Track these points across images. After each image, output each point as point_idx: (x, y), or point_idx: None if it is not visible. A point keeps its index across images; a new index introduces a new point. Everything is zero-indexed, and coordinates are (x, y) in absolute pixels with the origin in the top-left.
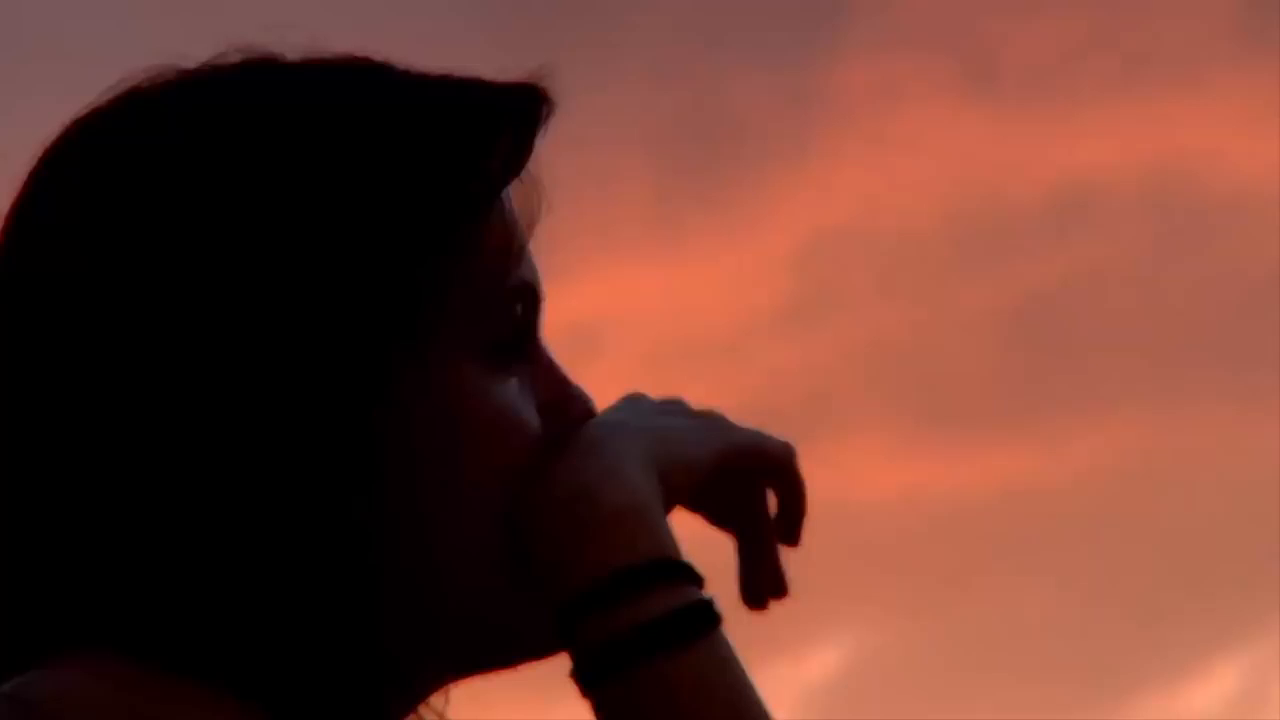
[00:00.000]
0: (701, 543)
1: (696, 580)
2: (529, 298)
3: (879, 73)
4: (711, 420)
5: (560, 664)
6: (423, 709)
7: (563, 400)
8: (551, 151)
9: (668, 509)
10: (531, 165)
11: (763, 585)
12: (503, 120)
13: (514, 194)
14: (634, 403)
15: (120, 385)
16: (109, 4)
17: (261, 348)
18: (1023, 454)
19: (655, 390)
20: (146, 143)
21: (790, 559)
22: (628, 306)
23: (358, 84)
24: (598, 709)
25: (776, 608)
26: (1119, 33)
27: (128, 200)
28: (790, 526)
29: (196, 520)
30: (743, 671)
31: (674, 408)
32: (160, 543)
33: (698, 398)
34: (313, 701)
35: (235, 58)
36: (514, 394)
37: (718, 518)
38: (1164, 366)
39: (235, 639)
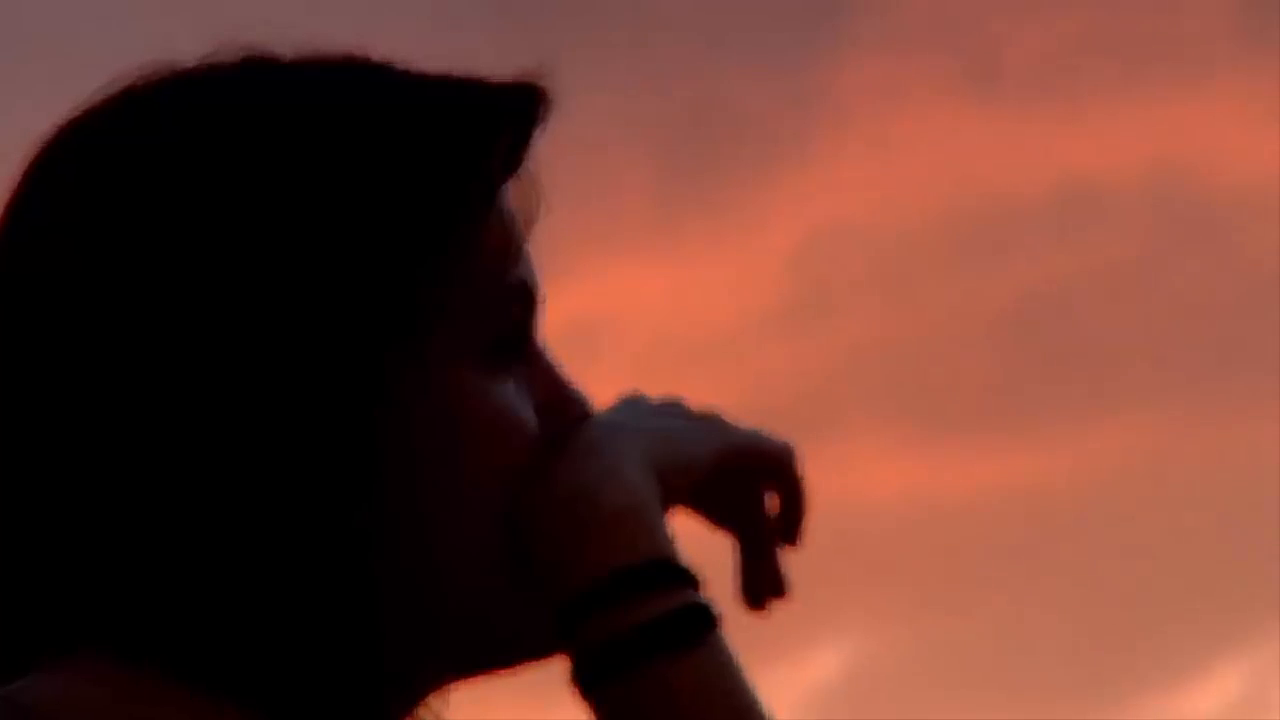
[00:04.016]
0: (702, 543)
1: (696, 582)
2: (527, 298)
3: (880, 72)
4: (710, 420)
5: (560, 665)
6: (422, 710)
7: (561, 401)
8: (551, 151)
9: (667, 509)
10: (530, 165)
11: (762, 586)
12: (501, 120)
13: (512, 194)
14: (632, 403)
15: (117, 389)
16: (106, 3)
17: (259, 349)
18: (1025, 456)
19: (654, 390)
20: (141, 143)
21: (790, 561)
22: (627, 306)
23: (355, 84)
24: (597, 710)
25: (776, 609)
26: (1122, 31)
27: (123, 201)
28: (790, 527)
29: (195, 523)
30: (743, 673)
31: (673, 408)
32: (159, 546)
33: (697, 398)
34: (313, 704)
35: (231, 56)
36: (512, 394)
37: (717, 518)
38: (1169, 368)
39: (235, 642)
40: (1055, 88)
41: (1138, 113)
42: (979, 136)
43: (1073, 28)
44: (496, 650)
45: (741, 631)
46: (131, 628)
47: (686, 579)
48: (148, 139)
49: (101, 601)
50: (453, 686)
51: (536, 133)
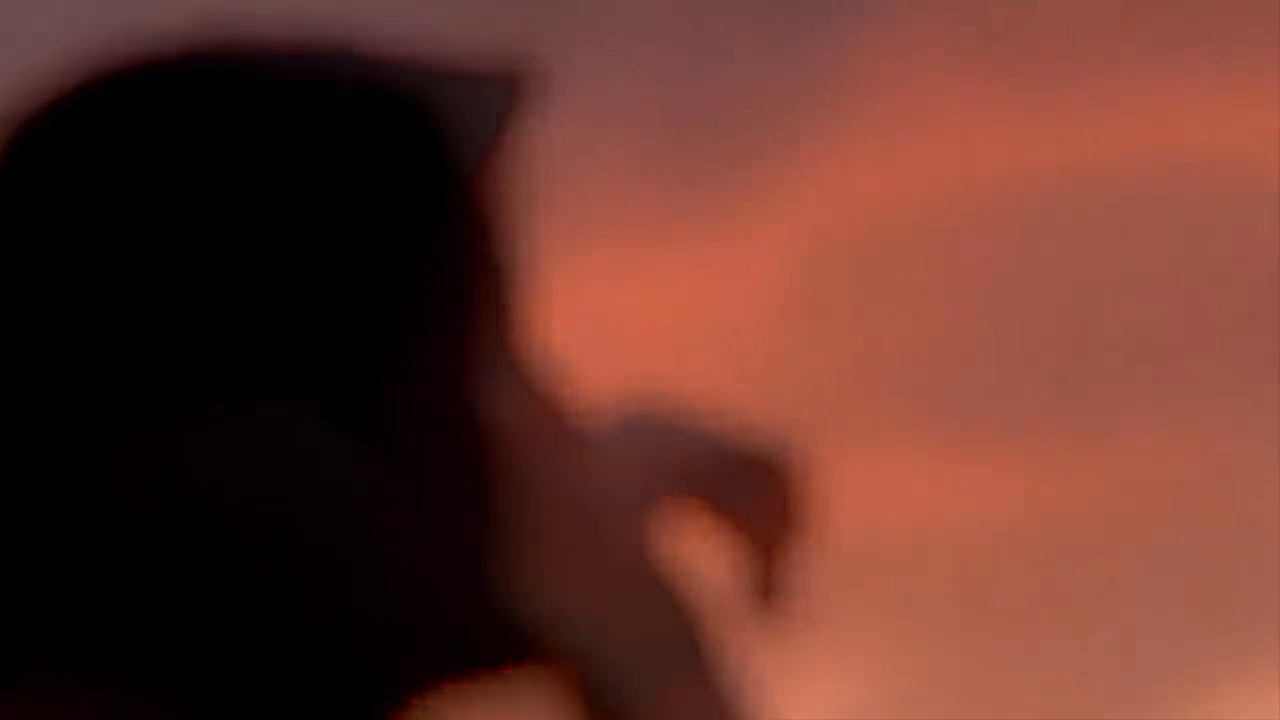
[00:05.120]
0: (702, 548)
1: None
2: (520, 295)
3: (899, 56)
4: (711, 423)
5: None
6: (413, 711)
7: (556, 401)
8: (550, 144)
9: (665, 513)
10: (525, 156)
11: (763, 596)
12: (490, 112)
13: (503, 189)
14: (633, 404)
15: (104, 389)
16: None
17: (248, 351)
18: (1055, 464)
19: (657, 389)
20: (122, 134)
21: (798, 576)
22: (629, 303)
23: (337, 76)
24: None
25: (777, 620)
26: (1152, 12)
27: (106, 197)
28: (791, 537)
29: (184, 523)
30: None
31: (673, 409)
32: (146, 549)
33: (702, 397)
34: (306, 705)
35: (207, 42)
36: (506, 395)
37: (716, 524)
38: (1208, 372)
39: (226, 646)
40: (1087, 72)
41: (1175, 98)
42: (1001, 129)
43: (1096, 13)
44: (488, 652)
45: (745, 650)
46: (112, 636)
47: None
48: (121, 127)
49: (84, 608)
50: (445, 689)
51: (527, 124)
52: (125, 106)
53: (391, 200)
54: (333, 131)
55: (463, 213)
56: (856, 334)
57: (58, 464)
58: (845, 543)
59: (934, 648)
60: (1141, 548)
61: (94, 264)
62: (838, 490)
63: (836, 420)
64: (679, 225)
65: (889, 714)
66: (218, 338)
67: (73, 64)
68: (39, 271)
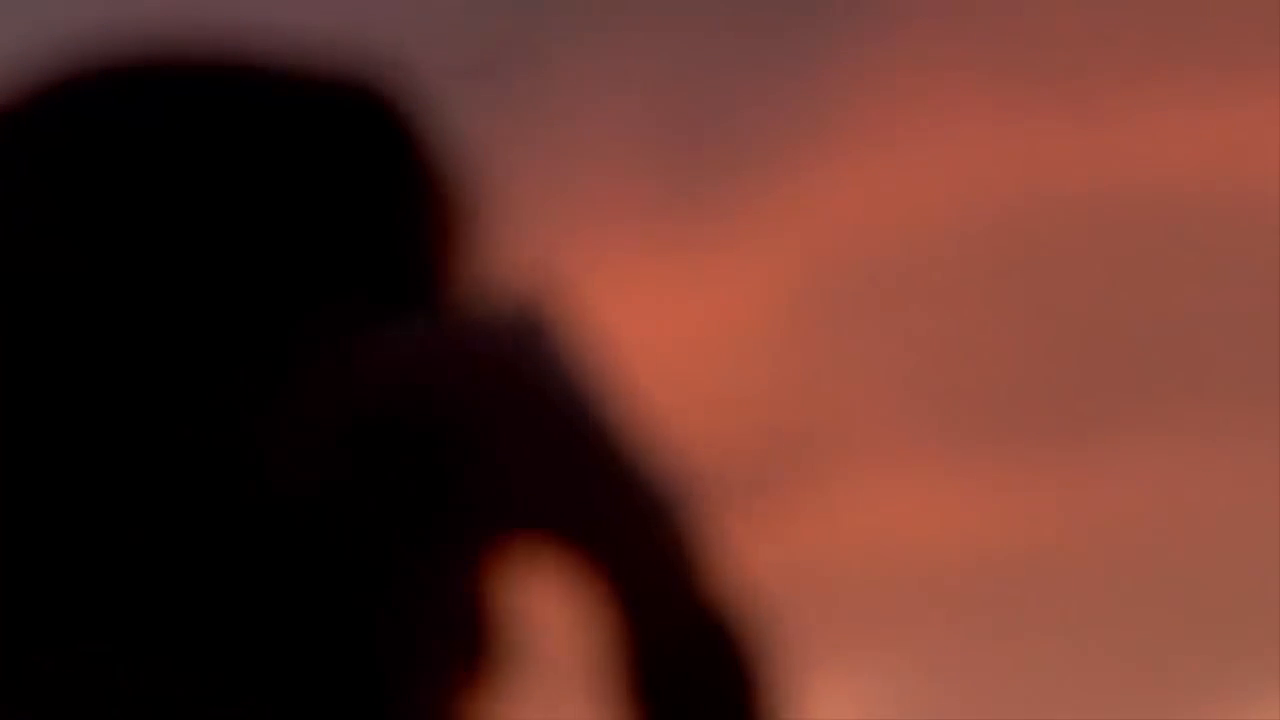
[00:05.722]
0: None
1: None
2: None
3: (904, 66)
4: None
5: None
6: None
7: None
8: (550, 148)
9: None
10: (505, 156)
11: None
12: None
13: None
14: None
15: (105, 388)
16: None
17: (240, 352)
18: (1059, 474)
19: (658, 401)
20: (116, 125)
21: (807, 594)
22: (629, 308)
23: (325, 73)
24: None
25: (780, 645)
26: (1169, 23)
27: (94, 190)
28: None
29: (188, 527)
30: None
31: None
32: (146, 550)
33: (706, 411)
34: (304, 708)
35: (200, 39)
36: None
37: None
38: (1218, 382)
39: (227, 646)
40: (1102, 82)
41: (1193, 109)
42: (1004, 139)
43: (1101, 25)
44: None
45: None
46: (112, 636)
47: None
48: (131, 123)
49: (85, 606)
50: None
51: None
52: (125, 99)
53: (368, 195)
54: (314, 128)
55: (435, 210)
56: (861, 342)
57: (85, 454)
58: (849, 550)
59: (938, 653)
60: (1146, 556)
61: (93, 261)
62: (843, 499)
63: (840, 429)
64: (681, 231)
65: (891, 715)
66: (189, 330)
67: (62, 62)
68: (36, 267)
